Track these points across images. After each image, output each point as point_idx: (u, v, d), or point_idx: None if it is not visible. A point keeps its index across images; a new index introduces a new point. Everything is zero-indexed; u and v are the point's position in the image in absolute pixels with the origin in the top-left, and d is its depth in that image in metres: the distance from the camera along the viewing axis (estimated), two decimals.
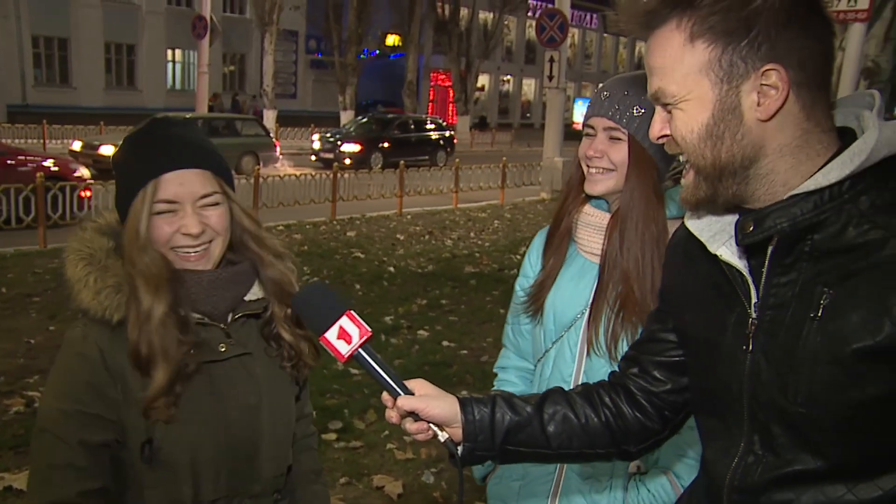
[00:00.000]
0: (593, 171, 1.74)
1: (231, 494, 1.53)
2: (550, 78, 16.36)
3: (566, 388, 1.48)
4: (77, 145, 17.36)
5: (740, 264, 1.14)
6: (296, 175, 13.56)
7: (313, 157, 20.74)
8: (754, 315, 1.14)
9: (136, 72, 32.21)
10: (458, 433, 1.35)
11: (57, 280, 7.34)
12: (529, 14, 41.97)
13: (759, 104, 1.07)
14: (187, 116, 17.43)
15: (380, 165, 19.51)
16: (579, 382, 1.75)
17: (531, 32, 35.54)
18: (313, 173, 13.57)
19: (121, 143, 1.56)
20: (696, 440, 1.38)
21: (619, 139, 1.71)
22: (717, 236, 1.18)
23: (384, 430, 4.48)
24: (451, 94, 38.37)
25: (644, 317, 1.62)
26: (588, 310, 1.75)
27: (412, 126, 23.34)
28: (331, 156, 19.76)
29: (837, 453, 1.07)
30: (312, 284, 1.39)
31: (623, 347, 1.68)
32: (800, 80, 1.06)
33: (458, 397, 1.37)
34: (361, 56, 30.55)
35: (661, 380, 1.38)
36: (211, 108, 24.70)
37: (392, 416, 1.34)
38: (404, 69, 32.80)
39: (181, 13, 31.57)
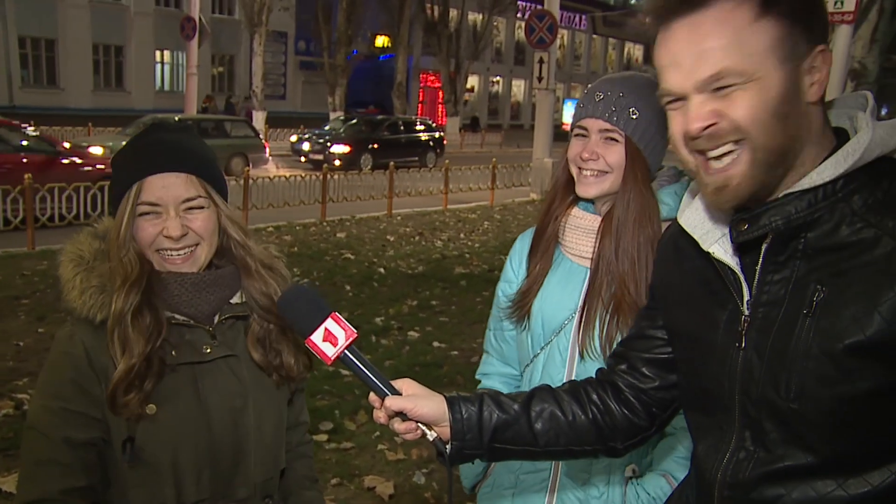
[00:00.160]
0: (587, 173, 1.71)
1: (215, 496, 1.53)
2: (540, 79, 16.39)
3: None
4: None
5: (733, 262, 1.15)
6: (285, 176, 13.54)
7: (303, 159, 20.70)
8: (747, 312, 1.14)
9: (124, 73, 32.07)
10: (446, 432, 1.35)
11: (45, 282, 7.32)
12: (519, 15, 42.04)
13: (810, 85, 1.08)
14: (177, 118, 17.39)
15: (369, 167, 19.49)
16: None
17: (520, 34, 35.59)
18: (303, 175, 13.55)
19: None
20: (688, 439, 1.38)
21: (616, 141, 1.68)
22: (710, 234, 1.18)
23: (375, 431, 4.47)
24: (441, 96, 38.38)
25: None
26: (578, 313, 1.73)
27: (402, 127, 23.31)
28: (320, 157, 19.74)
29: (828, 449, 1.08)
30: (296, 287, 1.39)
31: None
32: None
33: (445, 396, 1.37)
34: (351, 57, 30.50)
35: (649, 377, 1.39)
36: (205, 110, 24.63)
37: (380, 416, 1.34)
38: (394, 70, 32.77)
39: (170, 14, 31.46)
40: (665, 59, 1.11)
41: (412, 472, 4.07)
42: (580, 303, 1.74)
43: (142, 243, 1.50)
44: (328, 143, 20.70)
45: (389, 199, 13.69)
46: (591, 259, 1.74)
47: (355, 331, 1.32)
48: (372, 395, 1.34)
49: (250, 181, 12.13)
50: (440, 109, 40.63)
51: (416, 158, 22.07)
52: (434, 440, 1.34)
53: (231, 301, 1.60)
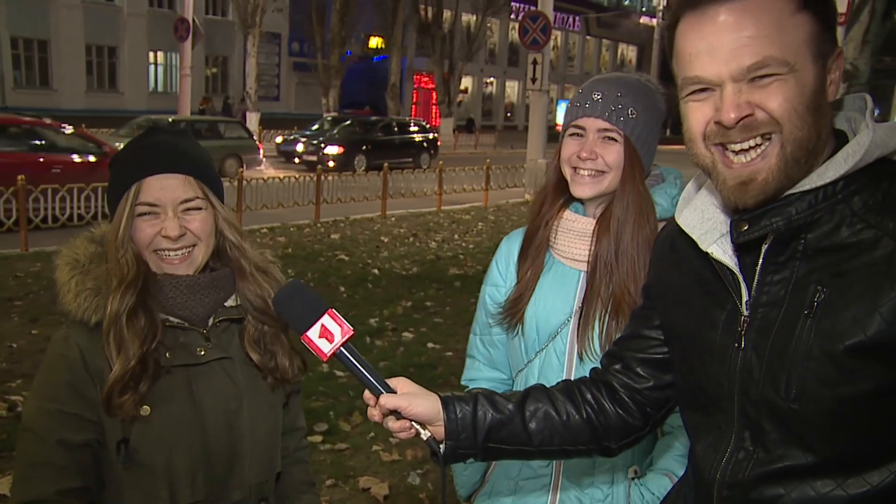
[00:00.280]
0: (584, 173, 1.69)
1: (210, 498, 1.54)
2: (533, 80, 16.41)
3: None
4: None
5: (732, 262, 1.15)
6: (279, 177, 13.53)
7: (297, 160, 20.67)
8: (746, 313, 1.14)
9: (117, 74, 32.01)
10: (440, 431, 1.35)
11: (39, 283, 7.30)
12: (512, 16, 42.08)
13: (829, 84, 1.09)
14: (170, 119, 17.36)
15: (363, 168, 19.49)
16: None
17: (514, 35, 35.70)
18: (297, 176, 13.54)
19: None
20: (685, 437, 1.38)
21: (614, 140, 1.67)
22: (709, 234, 1.18)
23: (370, 432, 4.47)
24: (435, 97, 38.38)
25: None
26: (575, 316, 1.72)
27: (395, 128, 23.30)
28: (314, 158, 19.72)
29: (828, 449, 1.08)
30: (293, 283, 1.39)
31: None
32: None
33: (440, 395, 1.37)
34: (344, 58, 30.48)
35: (644, 377, 1.39)
36: (202, 112, 24.59)
37: (374, 414, 1.33)
38: (387, 71, 32.75)
39: (163, 15, 31.40)
40: (699, 45, 1.08)
41: (407, 473, 4.06)
42: (576, 306, 1.73)
43: (140, 244, 1.51)
44: (322, 145, 20.68)
45: (383, 200, 13.68)
46: (588, 261, 1.72)
47: (352, 328, 1.32)
48: (366, 393, 1.34)
49: (244, 182, 12.12)
50: (434, 110, 40.62)
51: (410, 159, 22.08)
52: (428, 439, 1.34)
53: (226, 304, 1.60)
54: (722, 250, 1.16)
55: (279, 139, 22.57)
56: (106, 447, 1.48)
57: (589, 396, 1.42)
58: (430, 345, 6.24)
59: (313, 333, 1.31)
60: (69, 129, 11.71)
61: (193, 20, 21.12)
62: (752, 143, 1.07)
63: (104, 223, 1.60)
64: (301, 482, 1.78)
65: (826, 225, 1.08)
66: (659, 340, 1.37)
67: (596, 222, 1.73)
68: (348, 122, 22.72)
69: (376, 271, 8.83)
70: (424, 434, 1.34)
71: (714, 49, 1.06)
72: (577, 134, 1.71)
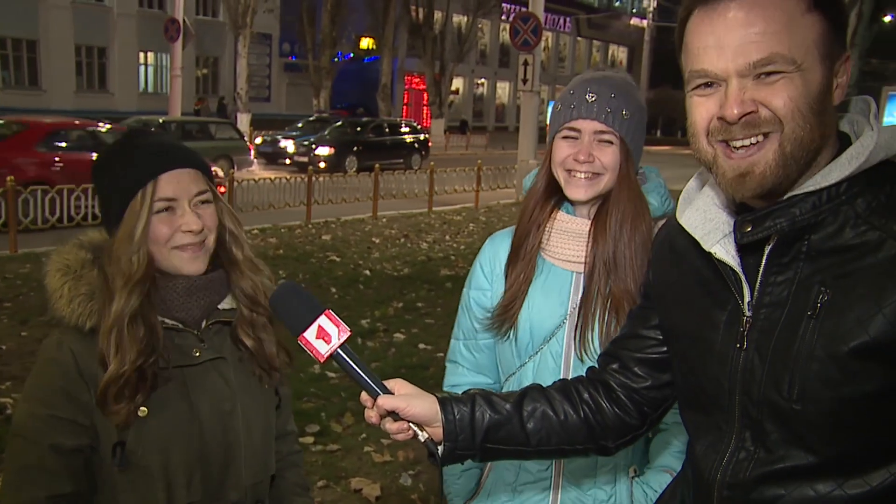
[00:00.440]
0: (580, 175, 1.67)
1: (206, 500, 1.53)
2: (525, 81, 16.43)
3: None
4: None
5: (735, 263, 1.15)
6: (270, 178, 13.50)
7: (288, 161, 20.62)
8: (748, 313, 1.14)
9: (107, 74, 31.84)
10: (437, 432, 1.35)
11: (28, 285, 7.26)
12: (503, 17, 42.06)
13: (835, 87, 1.09)
14: (161, 120, 17.30)
15: (354, 169, 19.46)
16: None
17: (505, 36, 35.63)
18: (288, 177, 13.51)
19: (100, 155, 1.58)
20: (682, 433, 1.38)
21: (610, 142, 1.66)
22: (712, 234, 1.18)
23: (361, 433, 4.46)
24: (426, 98, 38.37)
25: None
26: (571, 317, 1.71)
27: (387, 129, 23.30)
28: (305, 159, 19.68)
29: (829, 449, 1.08)
30: (288, 284, 1.38)
31: None
32: None
33: (437, 396, 1.37)
34: (335, 59, 30.45)
35: (641, 376, 1.39)
36: (198, 112, 24.49)
37: (371, 415, 1.33)
38: (378, 72, 32.73)
39: (153, 15, 31.27)
40: (707, 39, 1.08)
41: (399, 474, 4.06)
42: (571, 307, 1.72)
43: (158, 241, 1.49)
44: (313, 146, 20.64)
45: (374, 201, 13.67)
46: (584, 262, 1.72)
47: (349, 328, 1.31)
48: (363, 395, 1.33)
49: (235, 183, 12.08)
50: (425, 111, 40.62)
51: (402, 160, 22.10)
52: (426, 441, 1.34)
53: (219, 307, 1.60)
54: (725, 251, 1.16)
55: (258, 140, 22.28)
56: (98, 451, 1.47)
57: (586, 396, 1.42)
58: (421, 346, 6.23)
59: (310, 334, 1.30)
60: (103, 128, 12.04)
61: (184, 20, 21.05)
62: (753, 140, 1.08)
63: (91, 230, 1.59)
64: (295, 485, 1.78)
65: (830, 226, 1.08)
66: (657, 340, 1.37)
67: (591, 223, 1.72)
68: (340, 123, 22.67)
69: (367, 272, 8.82)
70: (422, 435, 1.34)
71: (722, 44, 1.07)
72: (571, 136, 1.69)
